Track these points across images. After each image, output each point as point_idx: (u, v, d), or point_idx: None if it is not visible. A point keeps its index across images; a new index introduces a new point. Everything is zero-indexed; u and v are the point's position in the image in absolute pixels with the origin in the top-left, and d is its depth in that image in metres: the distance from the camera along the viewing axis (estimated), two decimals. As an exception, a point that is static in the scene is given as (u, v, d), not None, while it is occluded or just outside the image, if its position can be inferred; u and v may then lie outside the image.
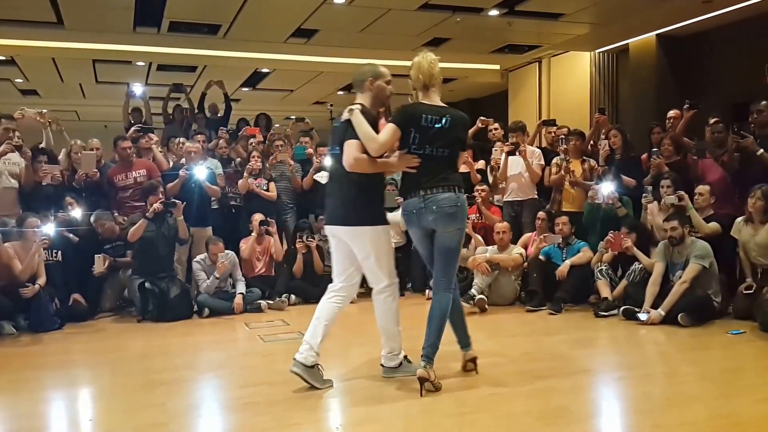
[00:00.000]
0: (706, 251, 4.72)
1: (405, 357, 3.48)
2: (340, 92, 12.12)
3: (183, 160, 6.30)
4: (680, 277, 4.71)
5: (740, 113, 6.25)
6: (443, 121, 3.24)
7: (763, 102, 5.29)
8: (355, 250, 3.33)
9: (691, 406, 2.97)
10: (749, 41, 7.37)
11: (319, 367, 3.32)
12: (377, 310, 3.42)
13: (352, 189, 3.28)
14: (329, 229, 3.44)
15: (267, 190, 6.56)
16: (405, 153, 3.26)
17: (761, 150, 5.04)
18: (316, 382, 3.29)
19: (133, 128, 6.73)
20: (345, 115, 3.26)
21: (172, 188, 5.97)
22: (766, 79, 7.29)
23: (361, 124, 3.19)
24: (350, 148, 3.20)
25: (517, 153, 6.23)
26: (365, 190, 3.29)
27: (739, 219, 4.99)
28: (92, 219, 5.67)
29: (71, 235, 5.54)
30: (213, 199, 6.32)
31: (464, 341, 3.50)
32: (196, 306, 5.57)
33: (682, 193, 5.14)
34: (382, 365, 3.49)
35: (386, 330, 3.42)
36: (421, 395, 3.11)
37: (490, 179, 6.74)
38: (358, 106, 3.25)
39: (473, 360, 3.49)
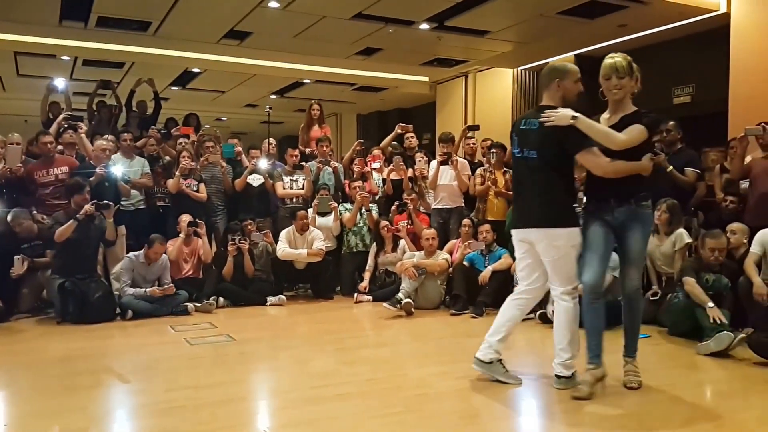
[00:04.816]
0: (617, 262, 5.01)
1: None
2: (273, 95, 12.04)
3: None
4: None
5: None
6: None
7: (671, 122, 5.72)
8: (547, 250, 3.23)
9: (602, 406, 3.18)
10: (659, 64, 7.91)
11: (501, 362, 3.44)
12: (563, 313, 3.31)
13: (553, 191, 3.23)
14: (522, 233, 3.35)
15: (197, 191, 6.49)
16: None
17: (671, 167, 5.44)
18: (499, 375, 3.41)
19: (62, 116, 6.48)
20: (552, 119, 3.17)
21: None
22: (674, 101, 7.86)
23: (593, 126, 3.19)
24: (595, 155, 3.17)
25: (449, 163, 6.45)
26: (565, 192, 3.25)
27: (647, 230, 5.35)
28: (9, 218, 5.42)
29: (-14, 234, 5.30)
30: (128, 199, 6.22)
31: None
32: (119, 308, 5.44)
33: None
34: (556, 375, 3.35)
35: (571, 333, 3.31)
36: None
37: (415, 188, 6.93)
38: (571, 112, 3.19)
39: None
